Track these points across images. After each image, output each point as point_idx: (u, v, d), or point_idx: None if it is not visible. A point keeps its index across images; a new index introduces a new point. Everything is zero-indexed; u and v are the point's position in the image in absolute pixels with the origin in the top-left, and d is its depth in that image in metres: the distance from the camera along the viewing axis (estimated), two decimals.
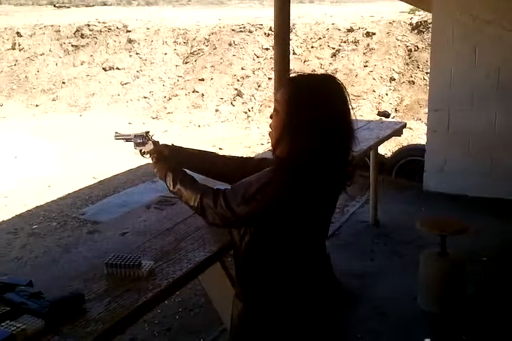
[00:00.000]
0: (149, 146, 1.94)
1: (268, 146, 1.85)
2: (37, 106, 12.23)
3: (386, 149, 7.22)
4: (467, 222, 3.66)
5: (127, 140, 2.03)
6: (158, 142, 1.95)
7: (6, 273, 1.88)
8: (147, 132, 1.98)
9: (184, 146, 2.00)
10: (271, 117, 1.64)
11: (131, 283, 1.82)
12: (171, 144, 1.96)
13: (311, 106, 1.53)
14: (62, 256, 2.10)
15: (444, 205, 5.20)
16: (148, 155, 1.94)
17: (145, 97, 11.57)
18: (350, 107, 1.60)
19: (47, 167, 7.53)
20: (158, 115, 10.80)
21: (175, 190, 1.77)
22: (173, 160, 1.87)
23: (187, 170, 1.87)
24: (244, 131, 9.46)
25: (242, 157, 2.04)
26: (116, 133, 2.10)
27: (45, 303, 1.58)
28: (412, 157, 6.24)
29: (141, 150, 1.98)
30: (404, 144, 7.32)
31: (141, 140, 1.97)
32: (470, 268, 3.59)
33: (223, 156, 2.00)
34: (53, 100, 12.31)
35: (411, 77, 9.62)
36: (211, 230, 2.32)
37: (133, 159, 7.51)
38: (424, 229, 3.55)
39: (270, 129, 1.66)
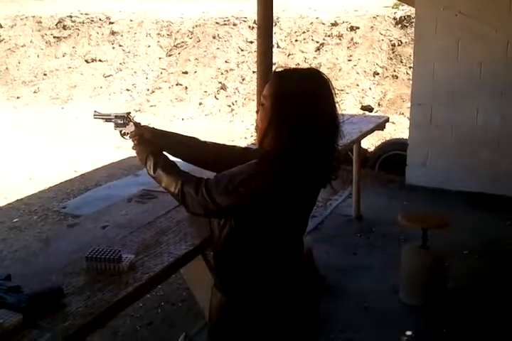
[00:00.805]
0: (130, 128, 1.90)
1: (252, 140, 1.85)
2: (18, 98, 12.08)
3: (369, 143, 7.25)
4: (449, 215, 3.69)
5: (107, 120, 1.98)
6: (139, 124, 1.91)
7: None
8: (128, 113, 1.94)
9: (166, 130, 1.97)
10: (257, 112, 1.64)
11: (112, 277, 1.80)
12: (152, 127, 1.93)
13: (297, 100, 1.54)
14: (41, 249, 2.07)
15: (426, 199, 5.25)
16: (129, 137, 1.90)
17: (128, 90, 11.48)
18: (335, 101, 1.61)
19: (28, 160, 7.44)
20: (141, 108, 10.72)
21: (155, 175, 1.74)
22: (154, 144, 1.83)
23: (167, 155, 1.84)
24: (228, 125, 9.43)
25: (225, 144, 2.00)
26: (95, 112, 2.04)
27: (24, 297, 1.57)
28: (394, 151, 6.27)
29: (121, 131, 1.93)
30: (387, 138, 7.35)
31: (122, 121, 1.92)
32: (451, 261, 3.63)
33: (206, 142, 1.97)
34: (34, 92, 12.16)
35: (394, 71, 9.65)
36: (193, 224, 2.31)
37: (115, 152, 7.48)
38: (406, 223, 3.57)
39: (256, 124, 1.65)
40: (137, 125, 1.90)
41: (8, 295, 1.57)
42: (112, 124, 1.96)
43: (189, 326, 3.22)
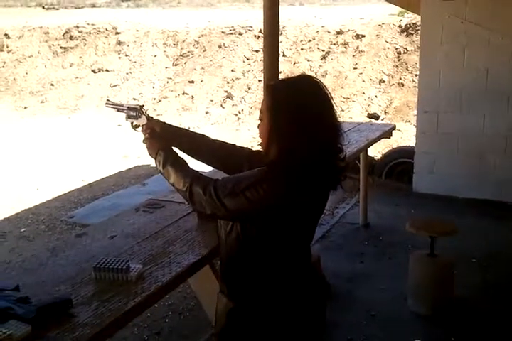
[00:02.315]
0: (142, 120, 1.90)
1: (258, 148, 1.86)
2: (25, 108, 12.15)
3: (376, 151, 7.24)
4: (457, 223, 3.68)
5: (119, 110, 1.98)
6: (151, 117, 1.91)
7: None
8: (142, 106, 1.94)
9: (177, 126, 1.98)
10: (258, 127, 1.66)
11: (120, 287, 1.81)
12: (163, 122, 1.93)
13: (292, 110, 1.55)
14: (49, 259, 2.07)
15: (433, 207, 5.23)
16: (140, 129, 1.90)
17: (134, 99, 11.52)
18: (331, 102, 1.62)
19: (35, 169, 7.47)
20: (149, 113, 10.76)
21: (163, 171, 1.75)
22: (165, 139, 1.84)
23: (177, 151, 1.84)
24: (235, 133, 9.45)
25: (235, 144, 2.01)
26: (107, 100, 2.04)
27: (32, 308, 1.57)
28: (401, 159, 6.25)
29: (132, 123, 1.93)
30: (394, 146, 7.34)
31: (135, 113, 1.92)
32: (459, 269, 3.61)
33: (215, 141, 1.97)
34: (42, 102, 12.24)
35: (400, 79, 9.66)
36: (200, 233, 2.32)
37: (122, 162, 7.51)
38: (413, 231, 3.56)
39: (260, 137, 1.67)
40: (149, 118, 1.90)
41: (17, 306, 1.57)
42: (123, 115, 1.96)
43: (197, 335, 3.21)
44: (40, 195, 6.36)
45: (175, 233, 2.32)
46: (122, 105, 1.97)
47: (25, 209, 5.89)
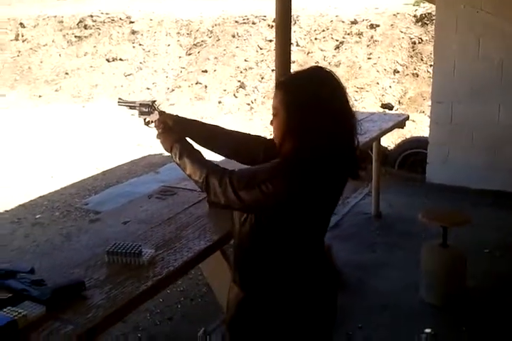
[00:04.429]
0: (155, 116, 1.90)
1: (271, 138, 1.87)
2: (40, 97, 12.23)
3: (389, 141, 7.21)
4: (470, 213, 3.66)
5: (131, 107, 1.99)
6: (163, 112, 1.92)
7: (9, 261, 1.89)
8: (153, 101, 1.94)
9: (189, 118, 1.98)
10: (271, 123, 1.66)
11: (132, 271, 1.83)
12: (175, 115, 1.94)
13: (305, 104, 1.55)
14: (64, 244, 2.11)
15: (446, 197, 5.20)
16: (153, 125, 1.90)
17: (148, 88, 11.55)
18: (345, 92, 1.61)
19: (49, 157, 7.54)
20: (161, 107, 10.77)
21: (180, 162, 1.75)
22: (179, 132, 1.84)
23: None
24: (248, 123, 9.44)
25: (249, 134, 2.00)
26: (119, 99, 2.05)
27: (47, 290, 1.60)
28: (414, 149, 6.22)
29: (145, 119, 1.94)
30: (408, 136, 7.30)
31: (147, 109, 1.93)
32: (472, 260, 3.60)
33: (229, 131, 1.98)
34: (56, 91, 12.31)
35: (414, 69, 9.58)
36: (212, 219, 2.33)
37: (136, 150, 7.55)
38: (426, 221, 3.55)
39: (274, 132, 1.67)
40: (161, 113, 1.91)
41: (32, 288, 1.60)
42: (136, 112, 1.96)
43: (208, 321, 3.24)
44: (54, 182, 6.43)
45: (187, 219, 2.34)
46: (134, 102, 1.98)
47: (40, 196, 5.95)
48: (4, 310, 1.48)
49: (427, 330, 2.98)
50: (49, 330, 1.46)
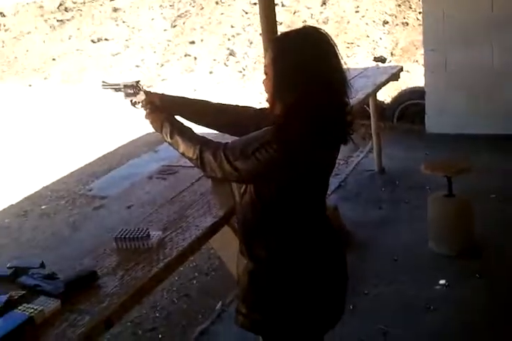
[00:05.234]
0: (141, 96, 1.86)
1: (262, 106, 1.84)
2: (30, 85, 12.12)
3: (385, 95, 7.13)
4: (472, 160, 3.65)
5: (116, 90, 1.93)
6: (149, 91, 1.89)
7: (18, 257, 1.91)
8: (137, 81, 1.89)
9: (174, 95, 1.95)
10: (263, 82, 1.63)
11: (142, 255, 1.84)
12: (161, 93, 1.91)
13: (296, 63, 1.53)
14: (71, 235, 2.13)
15: (448, 146, 5.18)
16: (140, 106, 1.87)
17: (137, 66, 11.41)
18: (338, 54, 1.58)
19: (47, 146, 7.50)
20: (153, 83, 10.68)
21: (172, 141, 1.74)
22: (167, 110, 1.82)
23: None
24: (241, 91, 9.36)
25: (238, 105, 1.98)
26: (103, 82, 1.99)
27: (60, 283, 1.61)
28: (411, 100, 6.18)
29: (131, 101, 1.90)
30: (403, 88, 7.21)
31: (132, 90, 1.88)
32: (479, 206, 3.61)
33: (216, 104, 1.95)
34: (45, 78, 12.18)
35: (404, 18, 9.39)
36: (216, 195, 2.33)
37: (131, 130, 7.51)
38: (429, 172, 3.55)
39: (265, 92, 1.65)
40: (147, 93, 1.87)
41: (45, 283, 1.62)
42: (121, 94, 1.92)
43: (225, 294, 3.29)
44: (56, 171, 6.41)
45: (190, 197, 2.35)
46: (118, 84, 1.92)
47: (43, 187, 5.94)
48: (20, 307, 1.50)
49: (442, 282, 3.03)
50: (67, 323, 1.48)
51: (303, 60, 1.52)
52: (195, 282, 3.65)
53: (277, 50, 1.58)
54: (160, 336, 3.14)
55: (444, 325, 2.85)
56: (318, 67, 1.54)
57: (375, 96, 4.76)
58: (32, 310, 1.47)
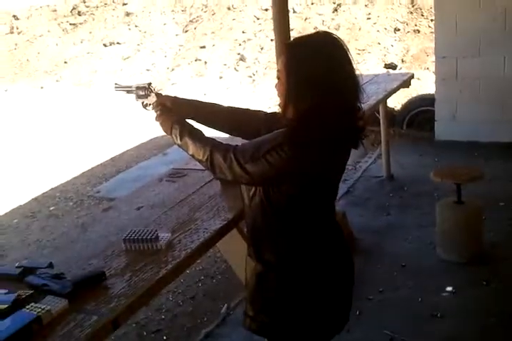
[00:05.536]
0: (152, 98, 1.89)
1: (273, 110, 1.85)
2: (42, 88, 12.20)
3: (395, 101, 7.12)
4: (481, 168, 3.64)
5: (128, 92, 1.97)
6: (160, 94, 1.91)
7: (27, 257, 1.91)
8: (149, 83, 1.92)
9: (187, 98, 1.96)
10: (275, 86, 1.64)
11: (151, 257, 1.84)
12: (173, 96, 1.92)
13: (309, 68, 1.53)
14: (80, 235, 2.13)
15: (457, 153, 5.17)
16: (151, 108, 1.89)
17: (148, 70, 11.47)
18: (351, 60, 1.58)
19: (56, 148, 7.53)
20: (163, 87, 10.73)
21: (181, 143, 1.74)
22: (177, 113, 1.83)
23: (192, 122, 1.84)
24: (251, 96, 9.38)
25: (248, 109, 1.99)
26: (116, 84, 2.02)
27: (67, 283, 1.61)
28: (422, 107, 6.16)
29: (143, 103, 1.92)
30: (413, 95, 7.20)
31: (144, 92, 1.91)
32: (488, 214, 3.59)
33: (228, 108, 1.96)
34: (57, 81, 12.26)
35: (415, 25, 9.39)
36: (225, 198, 2.34)
37: (141, 133, 7.54)
38: (438, 179, 3.54)
39: (278, 96, 1.65)
40: (159, 95, 1.89)
41: (53, 282, 1.62)
42: (133, 96, 1.95)
43: (230, 297, 3.28)
44: (65, 172, 6.44)
45: (199, 200, 2.35)
46: (130, 86, 1.95)
47: (51, 188, 5.96)
48: (27, 306, 1.50)
49: (449, 288, 3.01)
50: (74, 323, 1.48)
51: (317, 72, 1.52)
52: (201, 285, 3.65)
53: (292, 58, 1.58)
54: (165, 338, 3.14)
55: (450, 332, 2.83)
56: (331, 78, 1.54)
57: (386, 103, 4.76)
58: (39, 310, 1.47)
